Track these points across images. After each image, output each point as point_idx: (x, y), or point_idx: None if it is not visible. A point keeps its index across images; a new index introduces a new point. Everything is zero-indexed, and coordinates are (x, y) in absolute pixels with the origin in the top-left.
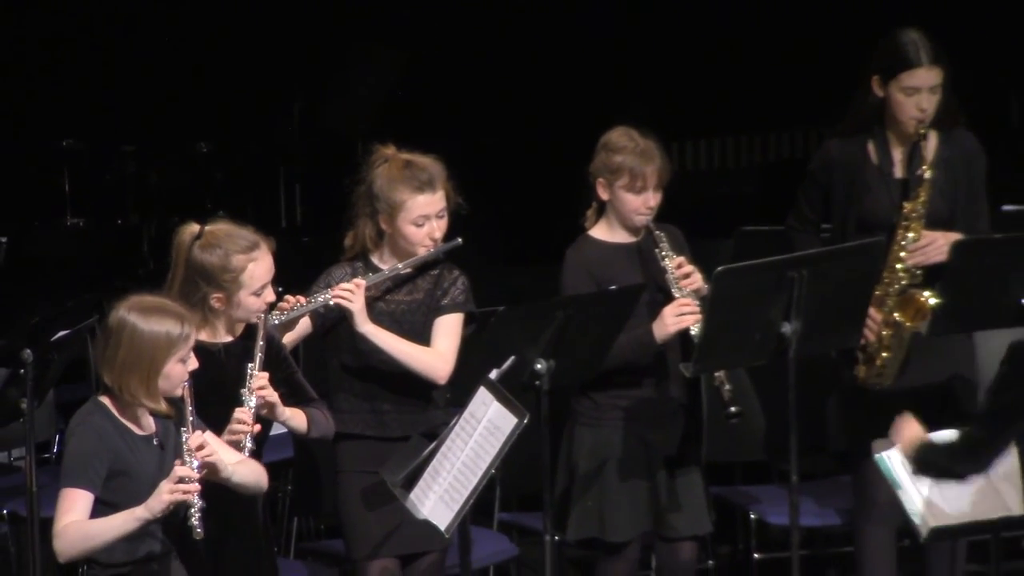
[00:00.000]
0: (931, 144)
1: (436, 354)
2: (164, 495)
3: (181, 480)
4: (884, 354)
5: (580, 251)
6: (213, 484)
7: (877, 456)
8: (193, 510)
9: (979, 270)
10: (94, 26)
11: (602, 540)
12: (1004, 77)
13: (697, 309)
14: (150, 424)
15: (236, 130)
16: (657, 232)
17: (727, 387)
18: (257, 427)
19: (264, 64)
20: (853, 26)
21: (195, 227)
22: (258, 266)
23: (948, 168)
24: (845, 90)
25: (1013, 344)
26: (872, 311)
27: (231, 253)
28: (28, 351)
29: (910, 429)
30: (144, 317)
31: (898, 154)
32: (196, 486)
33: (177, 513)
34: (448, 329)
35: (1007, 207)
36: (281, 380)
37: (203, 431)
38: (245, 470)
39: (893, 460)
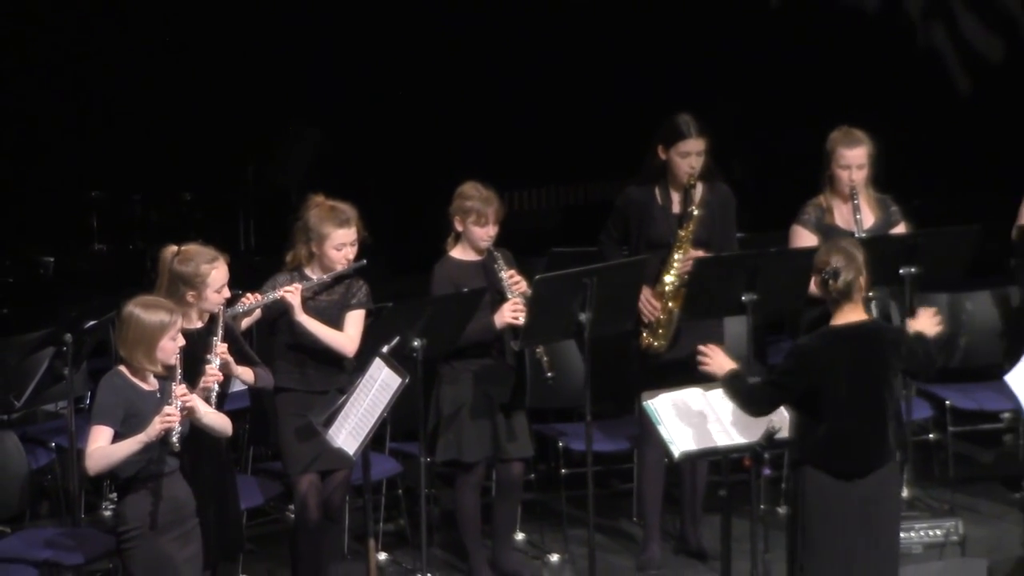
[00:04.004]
0: (699, 191)
1: (347, 337)
2: (156, 424)
3: (168, 415)
4: (661, 330)
5: (443, 266)
6: (195, 429)
7: (644, 403)
8: (173, 433)
9: (712, 277)
10: (114, 113)
11: (460, 460)
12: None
13: (523, 306)
14: (153, 384)
15: (209, 184)
16: (496, 253)
17: (545, 358)
18: (220, 376)
19: (228, 140)
20: (632, 112)
21: (174, 247)
22: (218, 272)
23: (709, 208)
24: (625, 157)
25: (797, 345)
26: (655, 301)
27: (200, 264)
28: (68, 335)
29: (721, 359)
30: (145, 310)
31: (675, 197)
32: (177, 418)
33: (167, 437)
34: (355, 320)
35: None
36: (234, 350)
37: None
38: (215, 417)
39: (655, 405)
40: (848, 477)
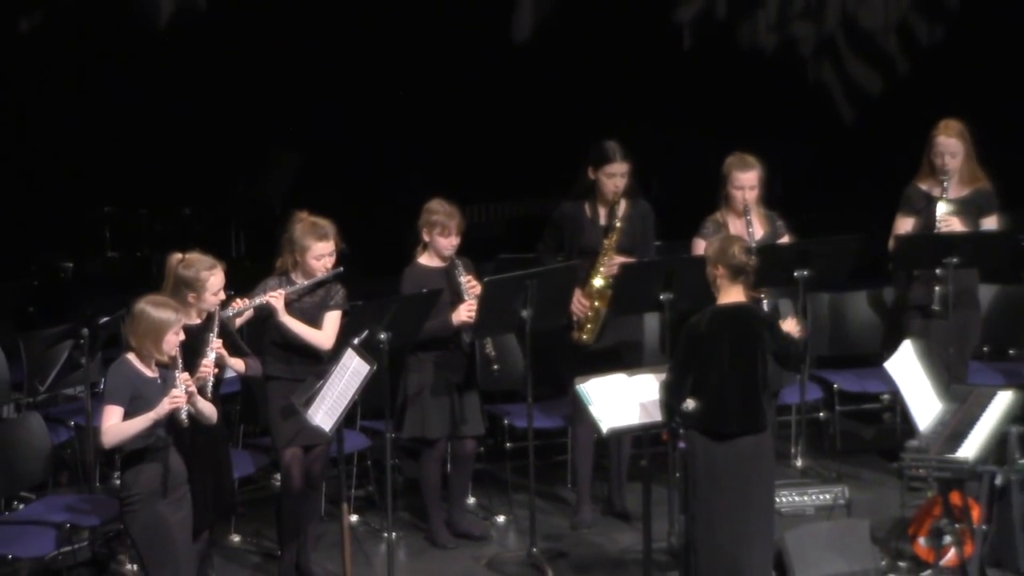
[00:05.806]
0: (622, 206)
1: (324, 335)
2: (165, 404)
3: (175, 396)
4: (589, 325)
5: (412, 271)
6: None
7: (577, 387)
8: (180, 412)
9: (635, 279)
10: (124, 139)
11: (423, 437)
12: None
13: (475, 306)
14: (155, 371)
15: (206, 200)
16: (457, 260)
17: (492, 353)
18: (216, 370)
19: (221, 161)
20: (564, 138)
21: (179, 255)
22: (216, 278)
23: (631, 221)
24: (558, 177)
25: (686, 323)
26: (585, 301)
27: (200, 270)
28: (85, 329)
29: None
30: (154, 307)
31: (602, 211)
32: (184, 399)
33: (173, 416)
34: (332, 320)
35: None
36: (227, 344)
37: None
38: (204, 405)
39: (586, 388)
40: (724, 439)
